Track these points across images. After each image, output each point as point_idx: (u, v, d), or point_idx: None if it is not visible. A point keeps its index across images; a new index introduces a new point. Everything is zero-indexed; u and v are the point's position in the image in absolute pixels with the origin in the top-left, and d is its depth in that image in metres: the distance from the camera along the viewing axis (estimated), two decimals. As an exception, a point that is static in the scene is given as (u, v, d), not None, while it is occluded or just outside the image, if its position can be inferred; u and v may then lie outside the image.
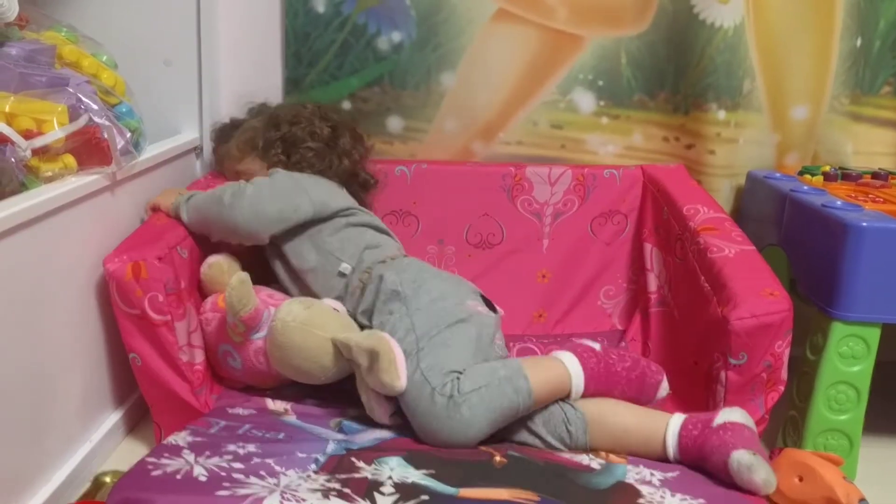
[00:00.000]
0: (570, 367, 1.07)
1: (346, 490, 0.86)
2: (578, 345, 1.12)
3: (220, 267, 1.24)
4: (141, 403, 1.23)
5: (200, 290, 1.25)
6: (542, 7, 1.56)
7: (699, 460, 1.00)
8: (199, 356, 1.16)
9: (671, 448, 1.02)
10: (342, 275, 1.24)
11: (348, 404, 1.14)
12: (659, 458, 1.03)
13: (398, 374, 1.03)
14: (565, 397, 1.07)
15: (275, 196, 1.24)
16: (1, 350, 0.92)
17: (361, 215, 1.33)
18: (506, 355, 1.18)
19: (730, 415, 1.02)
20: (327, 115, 1.43)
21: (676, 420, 1.04)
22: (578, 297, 1.54)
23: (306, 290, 1.27)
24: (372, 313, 1.19)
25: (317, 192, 1.29)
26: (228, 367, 1.19)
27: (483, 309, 1.18)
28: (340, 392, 1.16)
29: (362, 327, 1.19)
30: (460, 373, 1.05)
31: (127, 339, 1.10)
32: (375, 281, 1.20)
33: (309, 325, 1.11)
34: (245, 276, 1.13)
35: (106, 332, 1.16)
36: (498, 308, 1.23)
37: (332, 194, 1.32)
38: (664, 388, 1.11)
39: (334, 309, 1.18)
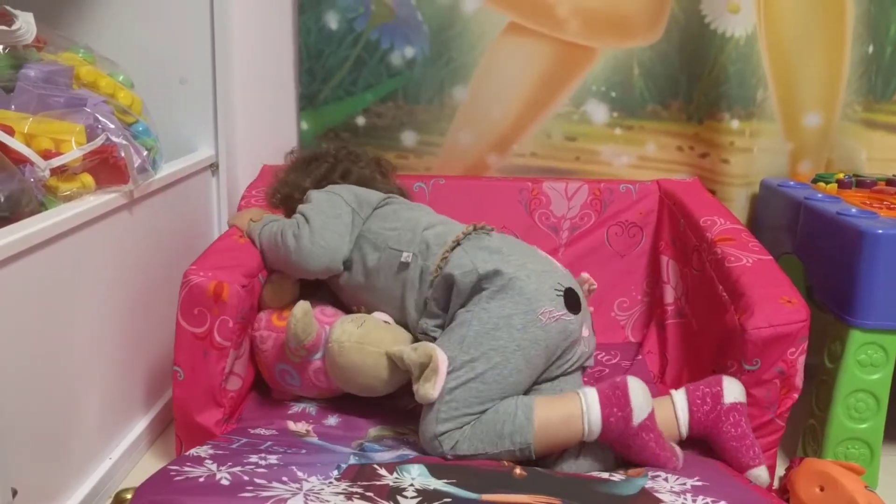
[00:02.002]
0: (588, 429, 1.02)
1: (370, 493, 0.86)
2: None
3: (280, 285, 1.24)
4: (160, 420, 1.23)
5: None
6: (553, 20, 1.57)
7: (707, 435, 1.05)
8: (236, 384, 1.15)
9: (683, 425, 1.05)
10: (404, 265, 1.18)
11: (371, 424, 1.14)
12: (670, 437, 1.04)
13: (434, 387, 1.04)
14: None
15: (320, 219, 1.21)
16: (21, 368, 0.93)
17: (406, 201, 1.31)
18: (583, 361, 1.15)
19: (733, 389, 1.05)
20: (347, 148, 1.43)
21: (681, 398, 1.06)
22: (593, 309, 1.53)
23: (371, 298, 1.23)
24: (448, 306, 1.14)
25: (347, 192, 1.27)
26: (286, 384, 1.21)
27: (559, 313, 1.09)
28: (365, 410, 1.17)
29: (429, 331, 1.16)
30: (473, 415, 1.04)
31: (178, 354, 1.09)
32: (457, 267, 1.13)
33: (364, 343, 1.13)
34: (307, 306, 1.14)
35: (125, 349, 1.17)
36: (583, 303, 1.15)
37: (364, 190, 1.29)
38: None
39: (384, 321, 1.19)
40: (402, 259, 1.18)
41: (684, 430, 1.06)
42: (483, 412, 1.04)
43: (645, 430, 1.00)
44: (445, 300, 1.14)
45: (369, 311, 1.22)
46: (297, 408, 1.20)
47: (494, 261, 1.11)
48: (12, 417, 0.90)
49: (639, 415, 0.99)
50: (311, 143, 1.63)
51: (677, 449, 1.03)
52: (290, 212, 1.30)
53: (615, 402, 1.00)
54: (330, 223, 1.21)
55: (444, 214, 1.29)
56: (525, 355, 1.06)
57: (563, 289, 1.12)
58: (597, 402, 1.01)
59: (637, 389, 1.01)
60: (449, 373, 1.04)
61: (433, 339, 1.12)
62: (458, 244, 1.16)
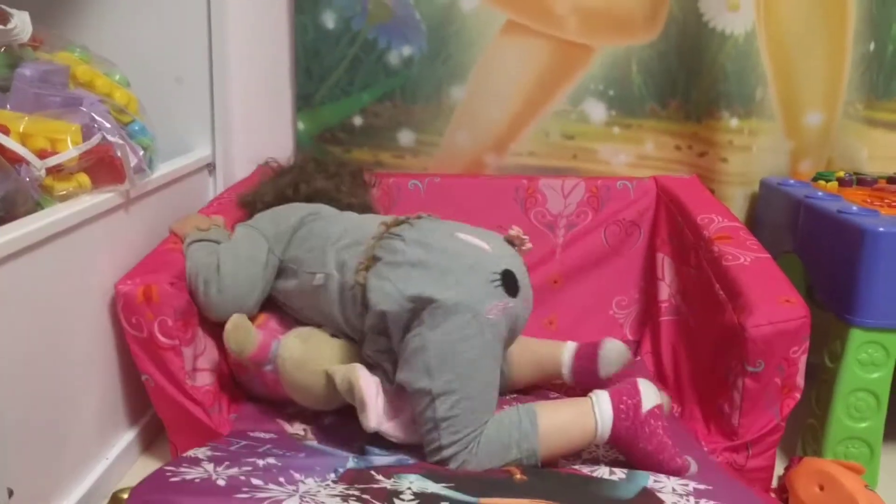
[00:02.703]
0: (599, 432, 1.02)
1: (367, 496, 0.86)
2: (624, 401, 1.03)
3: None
4: (156, 422, 1.23)
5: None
6: (551, 18, 1.57)
7: (629, 444, 1.03)
8: (207, 378, 1.16)
9: (602, 432, 1.02)
10: (319, 287, 1.14)
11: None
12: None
13: (368, 418, 1.03)
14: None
15: (232, 265, 1.18)
16: (18, 368, 0.92)
17: (326, 215, 1.24)
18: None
19: (647, 392, 1.03)
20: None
21: (605, 402, 1.03)
22: (590, 307, 1.54)
23: (309, 319, 1.20)
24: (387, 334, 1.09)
25: (268, 222, 1.24)
26: (257, 388, 1.22)
27: (502, 304, 1.06)
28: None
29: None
30: (476, 431, 1.02)
31: (138, 362, 1.11)
32: (382, 299, 1.06)
33: (306, 361, 1.12)
34: (238, 319, 1.12)
35: (121, 350, 1.16)
36: (521, 284, 1.09)
37: (284, 213, 1.25)
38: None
39: (332, 335, 1.17)
40: (315, 282, 1.15)
41: (603, 438, 1.03)
42: (485, 424, 1.03)
43: (654, 417, 1.01)
44: (383, 326, 1.09)
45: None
46: (292, 408, 1.19)
47: (419, 280, 1.05)
48: (8, 417, 0.90)
49: (647, 403, 1.02)
50: (308, 143, 1.63)
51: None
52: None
53: (625, 392, 1.03)
54: (242, 269, 1.18)
55: (433, 213, 1.21)
56: (491, 354, 1.06)
57: (500, 275, 1.07)
58: (606, 394, 1.03)
59: (645, 383, 1.05)
60: (430, 402, 1.02)
61: (383, 369, 1.10)
62: (373, 261, 1.10)
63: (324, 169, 1.37)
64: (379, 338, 1.10)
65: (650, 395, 1.03)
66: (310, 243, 1.19)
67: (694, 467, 1.01)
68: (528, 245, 1.17)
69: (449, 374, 1.02)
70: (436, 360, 1.02)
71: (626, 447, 1.03)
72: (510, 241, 1.16)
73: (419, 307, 1.04)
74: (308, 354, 1.12)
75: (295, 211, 1.25)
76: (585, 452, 1.08)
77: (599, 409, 1.02)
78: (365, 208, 1.34)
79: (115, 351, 1.16)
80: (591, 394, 1.05)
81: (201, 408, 1.12)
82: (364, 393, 1.03)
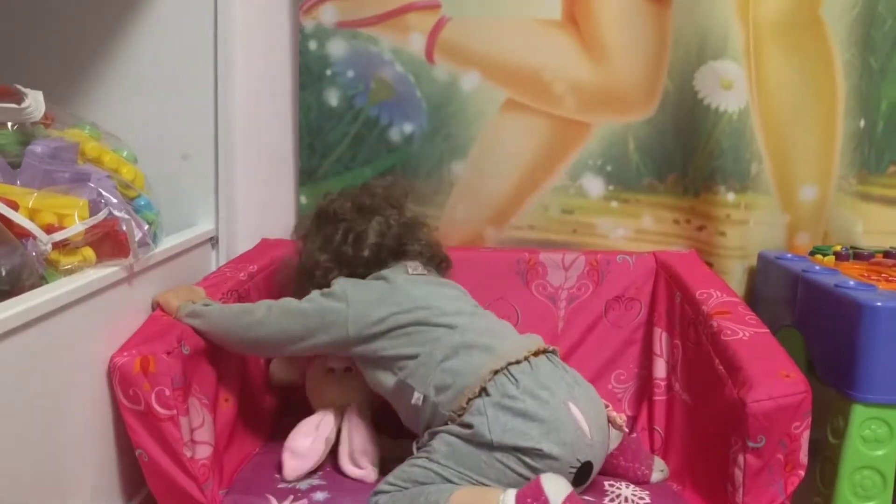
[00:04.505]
0: None
1: None
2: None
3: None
4: (149, 500, 1.21)
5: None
6: (549, 96, 1.61)
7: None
8: (204, 451, 1.14)
9: None
10: (415, 407, 1.11)
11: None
12: None
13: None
14: None
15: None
16: (16, 443, 0.92)
17: (427, 318, 1.15)
18: None
19: (553, 489, 0.96)
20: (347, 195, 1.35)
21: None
22: (590, 381, 1.51)
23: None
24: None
25: (359, 299, 1.19)
26: None
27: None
28: (358, 489, 1.15)
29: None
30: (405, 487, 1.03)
31: (133, 436, 1.09)
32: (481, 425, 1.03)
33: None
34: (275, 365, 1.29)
35: (120, 425, 1.15)
36: (591, 475, 1.08)
37: (385, 300, 1.18)
38: None
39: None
40: (413, 401, 1.11)
41: None
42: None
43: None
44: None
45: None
46: (283, 483, 1.18)
47: (516, 427, 1.02)
48: (1, 494, 0.89)
49: (555, 498, 0.94)
50: (311, 216, 1.65)
51: None
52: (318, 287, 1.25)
53: (529, 493, 0.96)
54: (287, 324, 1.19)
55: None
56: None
57: (580, 465, 1.04)
58: (513, 494, 0.97)
59: (550, 478, 0.97)
60: (423, 457, 1.05)
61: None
62: (482, 393, 1.06)
63: (375, 211, 1.31)
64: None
65: (558, 491, 0.95)
66: (412, 350, 1.13)
67: None
68: (625, 430, 1.15)
69: (459, 468, 1.03)
70: (466, 455, 1.03)
71: None
72: (609, 419, 1.13)
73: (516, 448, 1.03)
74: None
75: (401, 298, 1.18)
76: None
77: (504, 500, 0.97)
78: (436, 260, 1.34)
79: (113, 426, 1.15)
80: (501, 493, 0.99)
81: (195, 482, 1.10)
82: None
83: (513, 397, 1.05)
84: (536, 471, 1.01)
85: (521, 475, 1.02)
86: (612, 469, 1.18)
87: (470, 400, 1.06)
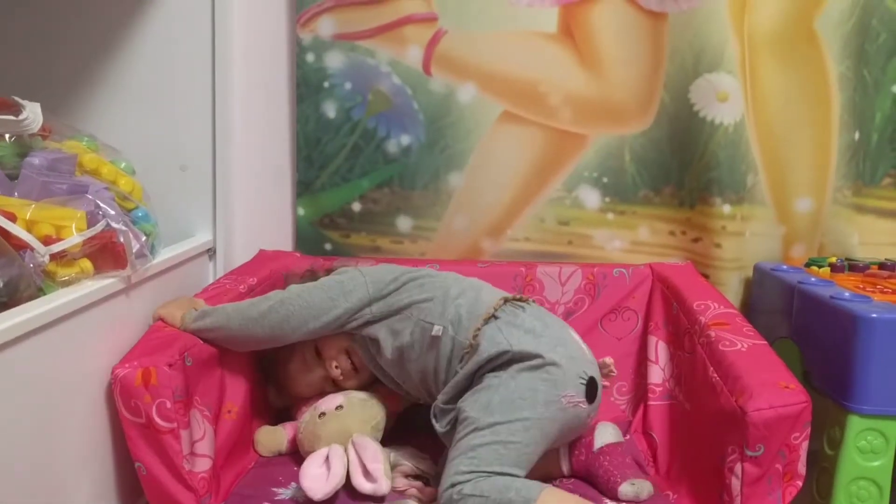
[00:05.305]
0: None
1: None
2: None
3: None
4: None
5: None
6: (545, 108, 1.62)
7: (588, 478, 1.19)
8: (203, 465, 1.14)
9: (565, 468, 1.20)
10: (434, 339, 1.19)
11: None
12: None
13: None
14: None
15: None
16: (14, 455, 0.91)
17: (436, 273, 1.31)
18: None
19: (604, 435, 1.20)
20: None
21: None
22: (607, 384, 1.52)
23: (400, 374, 1.25)
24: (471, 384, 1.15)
25: (373, 270, 1.28)
26: None
27: (578, 399, 1.13)
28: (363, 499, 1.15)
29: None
30: (488, 474, 1.04)
31: (133, 449, 1.09)
32: (490, 343, 1.14)
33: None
34: (262, 432, 1.31)
35: (117, 437, 1.15)
36: (599, 392, 1.18)
37: (391, 268, 1.29)
38: None
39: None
40: (434, 332, 1.19)
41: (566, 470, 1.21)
42: (500, 475, 1.05)
43: None
44: (471, 373, 1.15)
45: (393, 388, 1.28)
46: (283, 493, 1.18)
47: (529, 341, 1.14)
48: (-1, 507, 0.89)
49: None
50: (308, 228, 1.66)
51: None
52: None
53: None
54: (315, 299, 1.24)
55: None
56: (543, 430, 1.10)
57: (587, 377, 1.15)
58: None
59: None
60: (472, 431, 1.08)
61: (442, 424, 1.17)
62: (493, 318, 1.18)
63: None
64: (454, 390, 1.16)
65: None
66: (427, 294, 1.23)
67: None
68: (613, 373, 1.25)
69: (500, 417, 1.08)
70: (497, 402, 1.09)
71: None
72: (599, 365, 1.23)
73: (518, 356, 1.12)
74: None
75: (402, 268, 1.29)
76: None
77: None
78: None
79: (110, 438, 1.15)
80: None
81: (194, 495, 1.10)
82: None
83: (522, 318, 1.18)
84: (555, 384, 1.11)
85: (546, 392, 1.11)
86: (593, 468, 1.20)
87: (485, 322, 1.16)
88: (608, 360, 1.24)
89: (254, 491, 1.19)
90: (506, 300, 1.21)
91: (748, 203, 1.61)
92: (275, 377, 1.36)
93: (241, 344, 1.25)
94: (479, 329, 1.16)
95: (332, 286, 1.24)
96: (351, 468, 1.15)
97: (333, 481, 1.11)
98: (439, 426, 1.17)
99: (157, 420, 1.07)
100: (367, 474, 1.14)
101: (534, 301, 1.27)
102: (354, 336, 1.26)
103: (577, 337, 1.23)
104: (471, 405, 1.11)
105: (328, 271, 1.35)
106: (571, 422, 1.14)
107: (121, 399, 1.07)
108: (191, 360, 1.16)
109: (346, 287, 1.24)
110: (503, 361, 1.13)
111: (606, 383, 1.23)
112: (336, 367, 1.29)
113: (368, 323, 1.23)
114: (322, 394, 1.30)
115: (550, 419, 1.11)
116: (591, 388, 1.15)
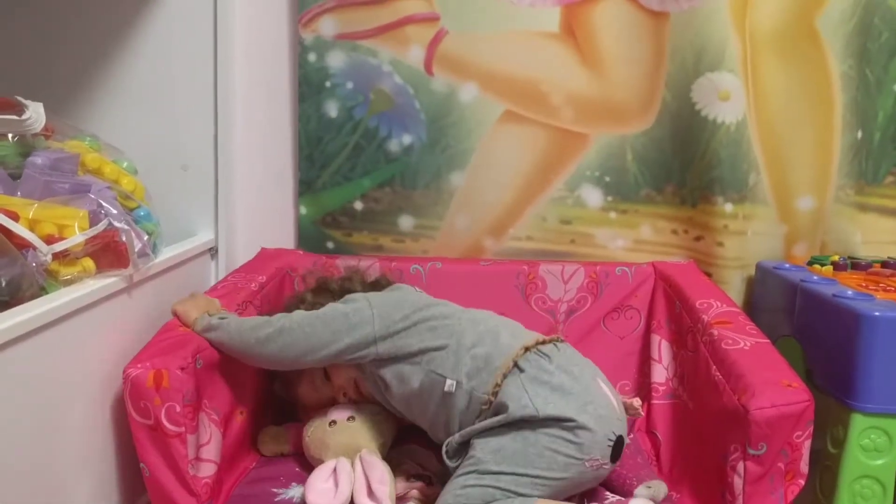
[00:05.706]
0: None
1: None
2: None
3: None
4: (150, 509, 1.21)
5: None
6: (547, 108, 1.61)
7: None
8: (208, 470, 1.14)
9: None
10: (446, 394, 1.11)
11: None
12: None
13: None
14: None
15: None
16: (14, 454, 0.91)
17: (449, 313, 1.19)
18: None
19: None
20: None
21: None
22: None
23: (413, 416, 1.20)
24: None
25: (382, 302, 1.19)
26: None
27: (601, 462, 1.07)
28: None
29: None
30: None
31: (140, 450, 1.08)
32: (512, 400, 1.05)
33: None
34: (266, 433, 1.30)
35: (117, 436, 1.15)
36: (622, 454, 1.11)
37: (404, 300, 1.20)
38: None
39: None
40: (446, 388, 1.12)
41: None
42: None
43: None
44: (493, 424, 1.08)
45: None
46: (284, 494, 1.18)
47: (557, 401, 1.06)
48: (1, 505, 0.89)
49: None
50: (310, 227, 1.66)
51: None
52: None
53: None
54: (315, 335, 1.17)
55: (444, 298, 1.25)
56: (553, 488, 1.05)
57: (615, 438, 1.08)
58: None
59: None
60: (471, 472, 1.03)
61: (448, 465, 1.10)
62: (514, 369, 1.09)
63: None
64: (470, 435, 1.09)
65: None
66: (440, 342, 1.15)
67: None
68: (641, 414, 1.20)
69: (507, 468, 1.02)
70: (511, 452, 1.03)
71: None
72: (625, 406, 1.16)
73: (544, 422, 1.04)
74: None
75: (417, 299, 1.21)
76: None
77: None
78: None
79: (111, 437, 1.15)
80: None
81: (196, 501, 1.09)
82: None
83: (549, 372, 1.09)
84: (581, 448, 1.04)
85: (568, 456, 1.03)
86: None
87: (504, 377, 1.08)
88: (636, 402, 1.18)
89: (254, 491, 1.19)
90: (527, 348, 1.12)
91: (750, 202, 1.61)
92: (283, 387, 1.34)
93: (245, 362, 1.21)
94: (498, 385, 1.09)
95: (337, 318, 1.17)
96: (356, 485, 1.13)
97: (339, 500, 1.09)
98: (451, 463, 1.10)
99: (166, 423, 1.06)
100: (371, 494, 1.11)
101: (561, 339, 1.19)
102: (363, 368, 1.20)
103: (605, 387, 1.13)
104: (482, 445, 1.05)
105: (340, 282, 1.32)
106: (590, 482, 1.09)
107: (130, 399, 1.06)
108: (202, 363, 1.16)
109: (352, 320, 1.16)
110: (528, 422, 1.05)
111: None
112: (344, 395, 1.26)
113: (373, 362, 1.17)
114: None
115: (567, 480, 1.05)
116: (617, 448, 1.08)
